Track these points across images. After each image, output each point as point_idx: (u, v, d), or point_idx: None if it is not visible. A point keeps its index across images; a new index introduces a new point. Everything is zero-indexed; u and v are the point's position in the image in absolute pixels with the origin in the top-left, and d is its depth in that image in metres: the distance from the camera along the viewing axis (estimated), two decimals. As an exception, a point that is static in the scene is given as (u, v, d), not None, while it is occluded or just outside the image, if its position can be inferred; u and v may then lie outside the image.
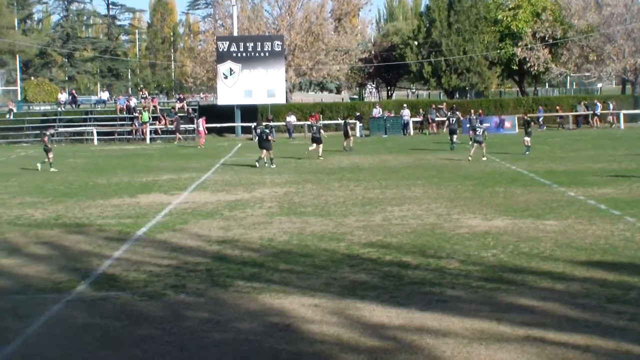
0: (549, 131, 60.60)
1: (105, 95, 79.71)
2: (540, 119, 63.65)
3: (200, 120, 56.19)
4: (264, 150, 35.97)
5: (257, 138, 37.77)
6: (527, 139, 38.47)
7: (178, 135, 59.37)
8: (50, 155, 37.28)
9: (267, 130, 37.31)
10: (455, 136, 45.08)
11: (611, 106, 64.71)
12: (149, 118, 60.80)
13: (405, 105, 64.82)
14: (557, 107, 64.76)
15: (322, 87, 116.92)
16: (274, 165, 35.50)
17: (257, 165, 35.41)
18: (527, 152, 37.88)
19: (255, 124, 59.68)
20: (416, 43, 77.32)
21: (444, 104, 66.49)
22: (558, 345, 10.04)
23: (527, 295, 12.47)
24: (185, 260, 15.70)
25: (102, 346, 10.61)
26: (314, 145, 39.23)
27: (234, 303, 12.52)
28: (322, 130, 40.36)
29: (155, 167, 37.25)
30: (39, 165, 37.05)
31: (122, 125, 62.50)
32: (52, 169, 36.31)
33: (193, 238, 18.24)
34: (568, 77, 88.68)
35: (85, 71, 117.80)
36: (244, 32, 70.00)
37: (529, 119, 40.81)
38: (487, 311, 11.66)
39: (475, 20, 74.71)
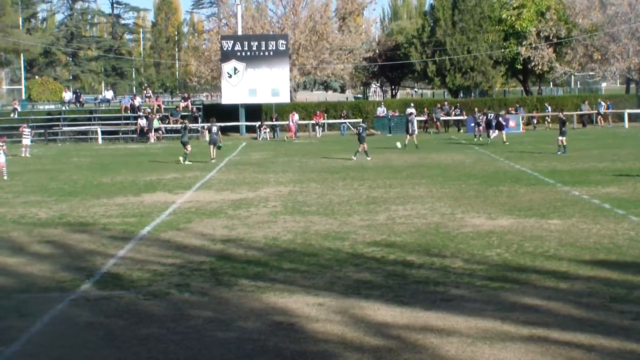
0: (553, 130, 60.44)
1: (109, 94, 79.73)
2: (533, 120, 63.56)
3: (291, 115, 59.52)
4: (362, 144, 37.95)
5: (357, 133, 39.57)
6: (561, 138, 37.67)
7: (151, 135, 59.03)
8: (189, 147, 38.70)
9: (364, 125, 40.69)
10: (491, 130, 47.31)
11: (603, 105, 64.42)
12: (159, 124, 60.81)
13: (412, 104, 64.87)
14: (511, 109, 63.67)
15: (326, 86, 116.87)
16: (369, 157, 37.40)
17: (354, 158, 37.53)
18: (562, 152, 37.09)
19: (259, 123, 59.98)
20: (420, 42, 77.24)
21: (446, 102, 66.47)
22: (562, 345, 10.04)
23: (531, 295, 12.47)
24: (189, 259, 15.72)
25: (106, 345, 10.62)
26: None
27: (238, 302, 12.53)
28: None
29: (160, 166, 37.26)
30: (181, 158, 38.27)
31: (127, 124, 62.49)
32: (186, 162, 37.82)
33: (197, 237, 18.25)
34: (572, 77, 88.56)
35: (89, 70, 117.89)
36: (248, 31, 70.01)
37: (564, 117, 40.18)
38: (491, 310, 11.65)
39: (480, 20, 74.65)
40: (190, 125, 61.46)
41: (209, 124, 40.72)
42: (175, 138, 60.24)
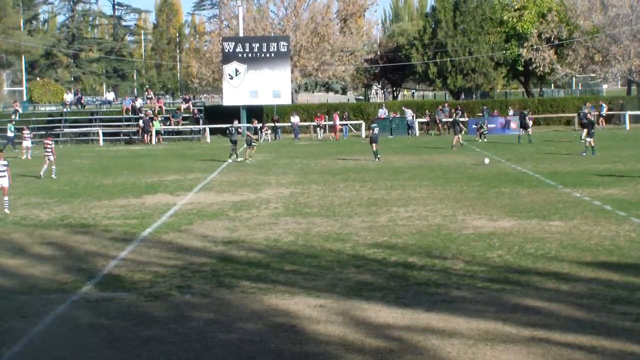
0: (555, 132, 60.46)
1: (110, 95, 79.70)
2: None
3: (334, 115, 60.54)
4: (374, 144, 38.36)
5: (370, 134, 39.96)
6: (589, 139, 37.54)
7: (147, 137, 59.01)
8: (234, 147, 40.37)
9: (375, 125, 40.83)
10: (524, 130, 49.21)
11: (605, 107, 64.17)
12: (160, 125, 60.80)
13: (404, 107, 65.09)
14: (480, 114, 63.02)
15: (327, 87, 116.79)
16: (378, 159, 37.74)
17: (377, 160, 37.79)
18: (584, 153, 36.90)
19: (261, 124, 60.02)
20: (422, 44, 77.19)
21: (446, 104, 66.48)
22: (563, 346, 10.04)
23: (533, 296, 12.47)
24: (191, 261, 15.73)
25: (108, 346, 10.63)
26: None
27: (239, 303, 12.53)
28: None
29: (161, 167, 37.28)
30: (230, 160, 39.76)
31: (128, 126, 62.46)
32: (239, 159, 39.72)
33: (198, 239, 18.26)
34: (573, 78, 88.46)
35: (90, 72, 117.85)
36: (249, 32, 70.00)
37: (593, 119, 39.91)
38: (493, 312, 11.66)
39: (481, 21, 74.57)
40: (192, 127, 61.82)
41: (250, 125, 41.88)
42: (177, 140, 60.36)
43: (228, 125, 44.76)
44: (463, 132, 46.80)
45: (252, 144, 40.53)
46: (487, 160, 34.34)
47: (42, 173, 33.42)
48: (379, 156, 37.92)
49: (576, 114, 53.90)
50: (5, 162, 23.51)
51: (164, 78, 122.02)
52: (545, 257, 15.23)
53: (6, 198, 23.22)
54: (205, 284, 13.82)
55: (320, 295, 12.84)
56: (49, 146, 33.90)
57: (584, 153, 36.94)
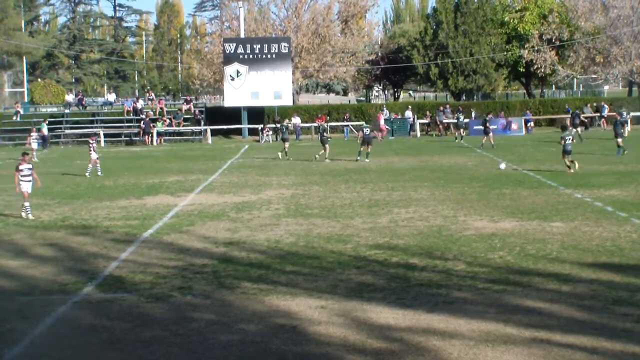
0: (556, 133, 60.33)
1: (112, 97, 79.68)
2: (530, 123, 63.24)
3: (379, 114, 61.08)
4: (365, 145, 38.81)
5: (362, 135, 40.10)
6: (619, 140, 37.70)
7: (147, 138, 59.05)
8: (287, 144, 42.00)
9: (368, 126, 41.97)
10: (575, 130, 48.54)
11: (607, 108, 63.97)
12: (163, 126, 60.86)
13: (410, 106, 65.08)
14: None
15: (328, 89, 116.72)
16: (368, 160, 38.03)
17: (361, 159, 38.45)
18: (620, 154, 36.92)
19: (261, 125, 60.05)
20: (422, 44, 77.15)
21: (448, 105, 66.45)
22: (564, 347, 10.04)
23: (534, 297, 12.47)
24: (192, 262, 15.74)
25: (109, 347, 10.64)
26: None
27: (240, 305, 12.54)
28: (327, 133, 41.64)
29: (162, 168, 37.29)
30: (279, 154, 41.64)
31: (129, 127, 62.49)
32: (288, 158, 40.86)
33: (200, 240, 18.27)
34: (574, 79, 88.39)
35: (92, 73, 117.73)
36: (250, 34, 69.97)
37: (621, 120, 40.21)
38: (494, 313, 11.66)
39: (482, 22, 74.51)
40: (193, 128, 61.83)
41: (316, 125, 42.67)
42: (178, 141, 60.39)
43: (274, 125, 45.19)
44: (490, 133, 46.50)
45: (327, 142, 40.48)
46: (502, 165, 33.76)
47: (87, 173, 34.40)
48: (361, 160, 38.03)
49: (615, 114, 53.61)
50: (30, 166, 23.42)
51: (165, 79, 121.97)
52: (546, 258, 15.23)
53: (27, 203, 22.95)
54: (207, 285, 13.83)
55: (321, 296, 12.84)
56: (91, 145, 35.01)
57: (619, 154, 37.04)
